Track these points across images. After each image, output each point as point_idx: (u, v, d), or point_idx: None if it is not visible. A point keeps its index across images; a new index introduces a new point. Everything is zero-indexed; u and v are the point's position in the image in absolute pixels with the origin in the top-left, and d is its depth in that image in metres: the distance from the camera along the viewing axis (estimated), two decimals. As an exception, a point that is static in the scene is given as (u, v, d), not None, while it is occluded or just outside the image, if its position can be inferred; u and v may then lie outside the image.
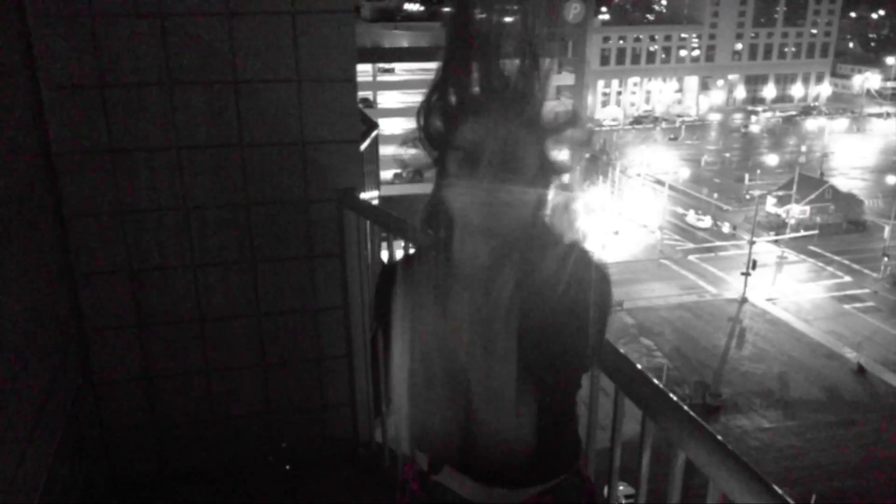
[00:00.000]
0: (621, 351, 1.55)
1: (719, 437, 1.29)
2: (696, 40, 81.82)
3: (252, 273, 3.01)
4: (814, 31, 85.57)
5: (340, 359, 3.18)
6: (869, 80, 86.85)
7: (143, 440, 3.09)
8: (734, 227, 44.28)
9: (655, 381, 1.46)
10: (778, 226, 43.59)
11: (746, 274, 35.46)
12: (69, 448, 2.49)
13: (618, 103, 77.96)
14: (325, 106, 2.87)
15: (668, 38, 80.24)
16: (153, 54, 2.65)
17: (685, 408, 1.38)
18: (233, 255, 2.97)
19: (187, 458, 3.12)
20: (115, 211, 2.78)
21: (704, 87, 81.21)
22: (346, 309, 3.08)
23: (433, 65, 1.31)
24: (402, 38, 58.73)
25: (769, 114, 78.98)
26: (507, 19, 1.24)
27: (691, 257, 40.87)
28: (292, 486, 3.10)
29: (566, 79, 55.93)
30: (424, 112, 1.27)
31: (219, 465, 3.11)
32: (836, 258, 39.95)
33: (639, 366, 1.51)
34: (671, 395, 1.42)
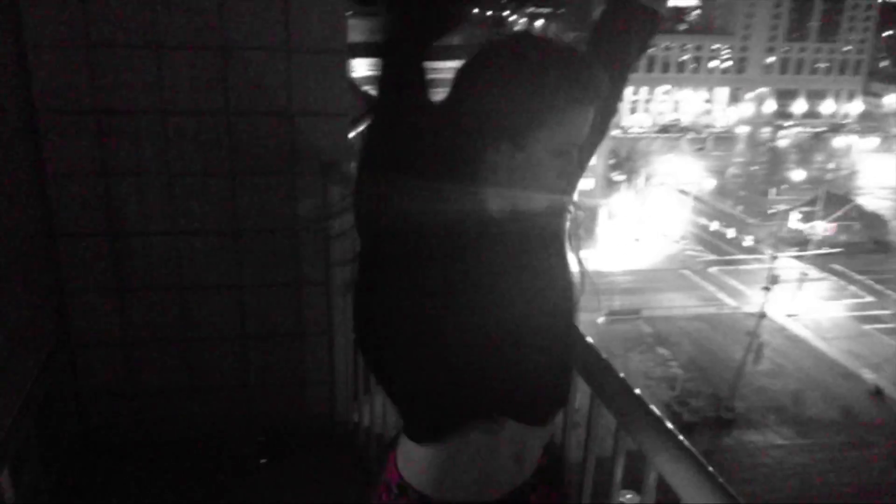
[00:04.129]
0: (603, 356, 1.38)
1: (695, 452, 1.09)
2: (727, 52, 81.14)
3: (235, 244, 2.99)
4: (847, 47, 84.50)
5: (321, 335, 3.15)
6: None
7: (119, 406, 3.07)
8: (757, 241, 43.79)
9: (634, 389, 1.28)
10: (801, 242, 43.04)
11: (767, 289, 35.02)
12: (35, 406, 2.48)
13: (646, 111, 77.53)
14: (313, 77, 2.84)
15: (698, 48, 79.64)
16: (140, 17, 2.64)
17: (662, 419, 1.18)
18: (216, 224, 2.94)
19: (163, 427, 3.10)
20: (99, 172, 2.77)
21: (734, 98, 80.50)
22: (327, 284, 3.05)
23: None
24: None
25: (798, 129, 78.10)
26: None
27: (712, 269, 40.48)
28: (268, 459, 3.07)
29: (594, 85, 55.65)
30: None
31: (195, 435, 3.08)
32: (859, 277, 39.34)
33: (621, 374, 1.33)
34: (649, 405, 1.22)
